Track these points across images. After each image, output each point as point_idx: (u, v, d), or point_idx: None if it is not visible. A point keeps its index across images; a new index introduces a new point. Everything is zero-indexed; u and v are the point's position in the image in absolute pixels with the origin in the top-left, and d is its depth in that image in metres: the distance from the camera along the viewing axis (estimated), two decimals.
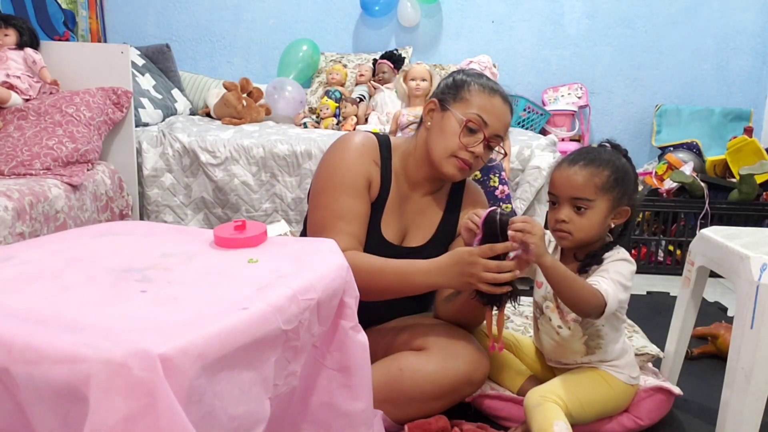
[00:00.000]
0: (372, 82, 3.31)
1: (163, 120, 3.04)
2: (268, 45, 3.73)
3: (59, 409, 0.73)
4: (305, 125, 3.11)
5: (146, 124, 2.92)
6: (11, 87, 2.37)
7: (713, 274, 1.61)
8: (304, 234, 1.61)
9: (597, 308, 1.31)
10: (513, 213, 2.53)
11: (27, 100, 2.41)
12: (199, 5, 3.70)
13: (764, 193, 3.00)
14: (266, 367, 0.87)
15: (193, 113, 3.42)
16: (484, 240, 1.28)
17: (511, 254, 1.28)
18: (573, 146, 3.35)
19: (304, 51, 3.52)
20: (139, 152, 2.73)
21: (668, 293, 2.62)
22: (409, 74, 2.77)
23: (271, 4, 3.70)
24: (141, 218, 2.75)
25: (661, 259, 3.01)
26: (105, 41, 3.63)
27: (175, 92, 3.32)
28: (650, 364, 1.73)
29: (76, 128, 2.35)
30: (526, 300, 1.71)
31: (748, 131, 3.30)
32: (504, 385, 1.59)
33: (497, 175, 2.46)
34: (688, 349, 1.76)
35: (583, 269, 1.41)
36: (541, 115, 3.40)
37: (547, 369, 1.59)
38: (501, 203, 2.47)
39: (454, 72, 1.55)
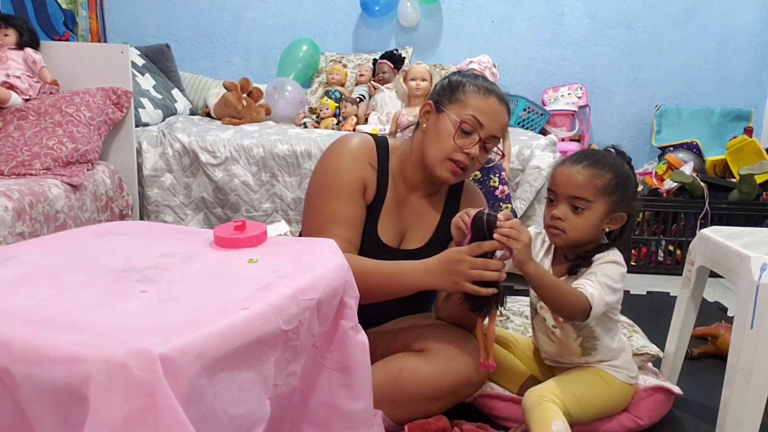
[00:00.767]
0: (372, 82, 3.31)
1: (163, 120, 3.04)
2: (268, 45, 3.73)
3: (59, 409, 0.73)
4: (305, 125, 3.11)
5: (146, 124, 2.93)
6: (11, 87, 2.37)
7: (713, 274, 1.61)
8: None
9: (582, 312, 1.32)
10: (513, 213, 2.53)
11: (27, 100, 2.41)
12: (199, 5, 3.70)
13: (764, 193, 3.00)
14: (266, 367, 0.87)
15: (193, 113, 3.42)
16: (473, 240, 1.29)
17: (498, 254, 1.28)
18: (573, 146, 3.35)
19: (304, 51, 3.52)
20: (139, 152, 2.73)
21: (668, 293, 2.62)
22: (409, 74, 2.77)
23: (271, 4, 3.70)
24: (141, 218, 2.75)
25: (661, 259, 3.01)
26: (105, 41, 3.63)
27: (175, 92, 3.32)
28: (650, 364, 1.73)
29: (76, 128, 2.35)
30: (527, 300, 1.71)
31: (748, 131, 3.30)
32: (504, 386, 1.59)
33: (497, 175, 2.46)
34: (688, 349, 1.76)
35: (573, 270, 1.41)
36: (541, 115, 3.40)
37: (546, 369, 1.59)
38: (501, 203, 2.47)
39: (450, 74, 1.55)
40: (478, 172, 2.37)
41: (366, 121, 3.12)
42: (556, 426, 1.30)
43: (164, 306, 0.84)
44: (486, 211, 1.28)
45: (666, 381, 1.61)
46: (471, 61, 2.88)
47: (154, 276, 0.94)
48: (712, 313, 2.36)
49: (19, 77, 2.40)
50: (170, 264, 1.00)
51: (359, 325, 1.08)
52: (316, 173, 1.50)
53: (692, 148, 3.36)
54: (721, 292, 2.63)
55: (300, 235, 1.64)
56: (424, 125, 1.50)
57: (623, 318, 1.92)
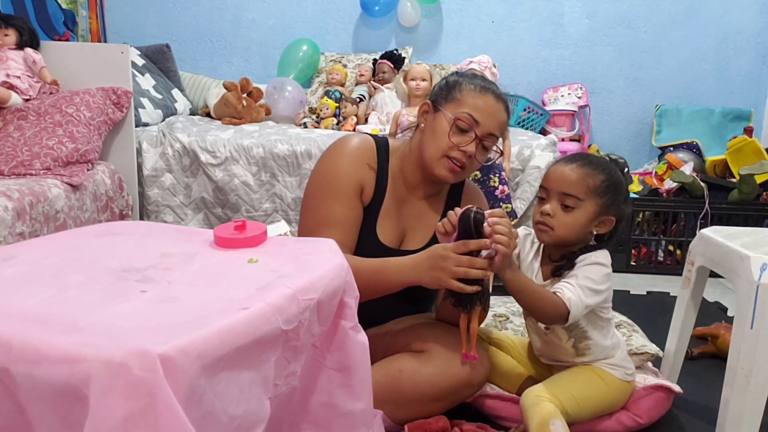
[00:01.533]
0: (372, 82, 3.31)
1: (163, 120, 3.04)
2: (268, 45, 3.73)
3: (59, 409, 0.73)
4: (305, 125, 3.11)
5: (146, 124, 2.92)
6: (11, 87, 2.37)
7: (713, 274, 1.61)
8: None
9: (560, 317, 1.34)
10: (513, 213, 2.53)
11: (27, 100, 2.41)
12: (199, 5, 3.70)
13: (764, 193, 3.00)
14: (266, 367, 0.87)
15: (193, 113, 3.42)
16: (460, 237, 1.29)
17: (484, 253, 1.28)
18: (573, 146, 3.35)
19: (304, 51, 3.52)
20: (139, 152, 2.73)
21: (668, 293, 2.62)
22: (409, 74, 2.77)
23: (271, 4, 3.70)
24: (141, 218, 2.75)
25: (661, 259, 3.01)
26: (105, 41, 3.63)
27: (175, 92, 3.32)
28: (650, 364, 1.73)
29: (76, 128, 2.35)
30: None
31: (748, 131, 3.30)
32: (502, 387, 1.59)
33: (497, 175, 2.46)
34: (688, 349, 1.76)
35: (557, 272, 1.41)
36: (541, 115, 3.40)
37: (544, 369, 1.59)
38: (501, 203, 2.47)
39: (449, 74, 1.55)
40: (478, 172, 2.37)
41: (366, 121, 3.11)
42: (554, 425, 1.30)
43: (164, 306, 0.84)
44: (474, 209, 1.28)
45: (666, 380, 1.61)
46: (471, 61, 2.88)
47: (154, 276, 0.94)
48: (712, 313, 2.36)
49: (19, 77, 2.39)
50: (170, 264, 1.00)
51: (359, 325, 1.08)
52: (313, 174, 1.50)
53: (692, 148, 3.36)
54: (721, 292, 2.63)
55: (297, 236, 1.64)
56: (422, 125, 1.50)
57: (623, 318, 1.92)
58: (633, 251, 2.98)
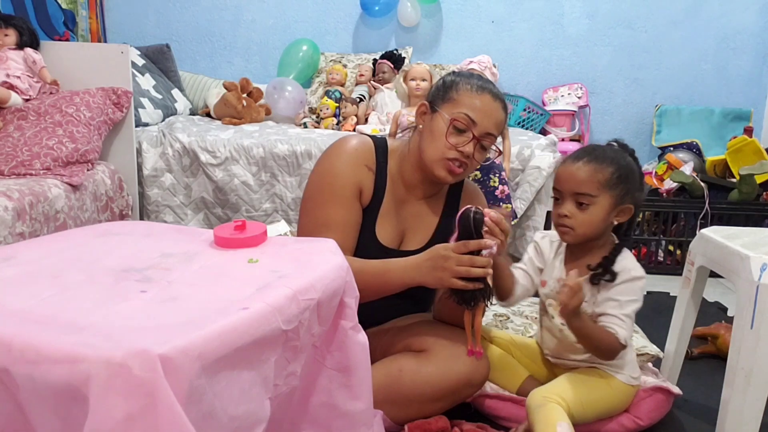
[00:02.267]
0: (372, 82, 3.31)
1: (163, 120, 3.04)
2: (268, 45, 3.73)
3: (59, 409, 0.73)
4: (305, 125, 3.11)
5: (146, 124, 2.93)
6: (11, 87, 2.37)
7: (713, 274, 1.61)
8: None
9: (613, 353, 1.41)
10: (513, 213, 2.53)
11: (27, 100, 2.41)
12: (199, 5, 3.70)
13: (764, 193, 3.00)
14: (266, 367, 0.87)
15: (193, 113, 3.42)
16: (460, 237, 1.30)
17: (485, 252, 1.29)
18: (573, 146, 3.35)
19: (304, 51, 3.52)
20: (139, 152, 2.73)
21: (668, 293, 2.62)
22: (409, 74, 2.77)
23: (271, 4, 3.70)
24: (141, 218, 2.75)
25: (661, 259, 3.01)
26: (105, 41, 3.63)
27: (175, 92, 3.32)
28: (650, 364, 1.73)
29: (76, 128, 2.35)
30: (526, 300, 1.71)
31: (748, 131, 3.30)
32: (502, 386, 1.59)
33: (497, 175, 2.46)
34: (688, 349, 1.76)
35: (595, 279, 1.42)
36: (541, 115, 3.40)
37: (545, 369, 1.59)
38: (501, 203, 2.47)
39: (446, 74, 1.55)
40: (478, 172, 2.37)
41: (366, 121, 3.11)
42: (560, 428, 1.29)
43: (164, 306, 0.84)
44: (473, 209, 1.29)
45: (666, 381, 1.61)
46: (471, 61, 2.87)
47: (154, 276, 0.94)
48: (712, 313, 2.36)
49: (19, 77, 2.40)
50: (170, 264, 1.00)
51: (359, 325, 1.08)
52: (311, 176, 1.50)
53: (692, 148, 3.36)
54: (721, 292, 2.63)
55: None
56: (420, 126, 1.50)
57: None
58: (633, 251, 2.97)
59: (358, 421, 1.09)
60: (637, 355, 1.67)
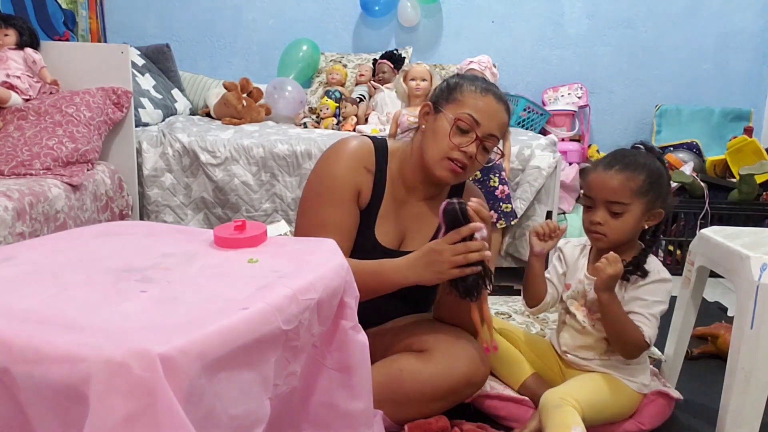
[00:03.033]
0: (372, 82, 3.31)
1: (163, 120, 3.04)
2: (268, 45, 3.73)
3: (59, 409, 0.73)
4: (305, 125, 3.11)
5: (146, 124, 2.92)
6: (11, 87, 2.37)
7: (713, 274, 1.61)
8: None
9: (638, 350, 1.43)
10: (513, 213, 2.53)
11: (27, 100, 2.40)
12: (199, 5, 3.70)
13: (764, 193, 3.00)
14: (266, 367, 0.87)
15: (193, 113, 3.42)
16: (447, 231, 1.31)
17: (477, 236, 1.29)
18: (573, 146, 3.35)
19: (304, 51, 3.52)
20: (139, 152, 2.73)
21: None
22: (409, 74, 2.77)
23: (271, 4, 3.70)
24: (141, 218, 2.75)
25: (661, 259, 3.01)
26: (105, 41, 3.63)
27: (175, 92, 3.32)
28: (650, 365, 1.73)
29: (76, 128, 2.35)
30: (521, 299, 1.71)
31: (748, 131, 3.30)
32: (506, 380, 1.59)
33: (497, 175, 2.46)
34: (688, 349, 1.76)
35: (625, 276, 1.44)
36: (541, 115, 3.40)
37: (555, 369, 1.59)
38: (501, 203, 2.47)
39: (450, 76, 1.55)
40: (478, 172, 2.37)
41: (366, 121, 3.11)
42: (575, 431, 1.29)
43: (164, 306, 0.84)
44: (455, 200, 1.30)
45: (666, 384, 1.62)
46: (471, 61, 2.88)
47: (154, 276, 0.94)
48: (712, 313, 2.36)
49: (19, 77, 2.39)
50: (170, 264, 1.00)
51: (359, 325, 1.08)
52: (310, 177, 1.51)
53: (692, 148, 3.36)
54: (721, 292, 2.63)
55: None
56: (423, 126, 1.50)
57: None
58: None
59: (358, 421, 1.09)
60: None
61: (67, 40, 3.08)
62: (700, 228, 2.03)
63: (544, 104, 3.62)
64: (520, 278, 1.38)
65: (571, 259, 1.58)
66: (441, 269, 1.30)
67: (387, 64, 3.32)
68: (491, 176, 2.43)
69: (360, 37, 3.75)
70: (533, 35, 3.71)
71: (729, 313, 2.37)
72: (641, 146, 1.49)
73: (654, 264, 1.47)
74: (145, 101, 2.99)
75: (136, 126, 2.76)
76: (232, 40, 3.74)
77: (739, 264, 1.38)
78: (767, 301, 1.31)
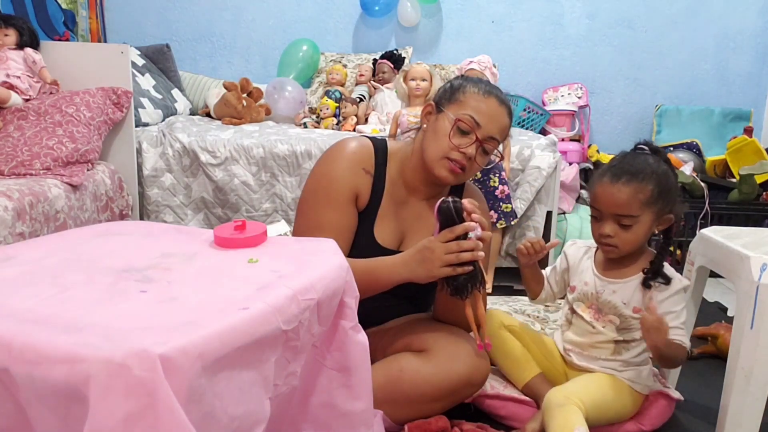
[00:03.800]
0: (372, 82, 3.31)
1: (163, 120, 3.04)
2: (268, 45, 3.73)
3: (59, 409, 0.73)
4: (305, 125, 3.11)
5: (146, 124, 2.92)
6: (11, 87, 2.36)
7: (713, 274, 1.61)
8: None
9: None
10: (513, 213, 2.53)
11: (27, 100, 2.40)
12: (199, 5, 3.70)
13: (764, 193, 3.00)
14: (266, 367, 0.87)
15: (193, 113, 3.42)
16: (442, 230, 1.31)
17: (471, 235, 1.29)
18: (573, 146, 3.35)
19: (304, 51, 3.52)
20: (139, 152, 2.73)
21: None
22: (409, 74, 2.77)
23: (271, 4, 3.70)
24: (141, 218, 2.75)
25: None
26: (105, 41, 3.63)
27: (175, 92, 3.32)
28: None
29: (76, 128, 2.35)
30: (528, 299, 1.71)
31: (748, 131, 3.30)
32: (511, 377, 1.58)
33: (497, 175, 2.46)
34: (689, 349, 1.76)
35: (646, 283, 1.45)
36: (541, 115, 3.40)
37: (560, 370, 1.58)
38: (501, 203, 2.47)
39: (453, 77, 1.56)
40: (478, 173, 2.37)
41: (366, 121, 3.11)
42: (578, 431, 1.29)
43: (164, 306, 0.84)
44: (449, 199, 1.30)
45: (666, 385, 1.62)
46: (471, 61, 2.87)
47: (154, 276, 0.94)
48: (712, 313, 2.36)
49: (19, 77, 2.39)
50: (170, 264, 1.00)
51: (359, 325, 1.08)
52: (309, 179, 1.51)
53: (692, 148, 3.36)
54: (721, 292, 2.63)
55: None
56: (425, 126, 1.51)
57: None
58: None
59: (358, 421, 1.09)
60: None
61: (67, 40, 3.08)
62: (700, 228, 2.02)
63: (544, 104, 3.62)
64: (519, 278, 1.38)
65: (574, 259, 1.57)
66: (432, 267, 1.30)
67: (387, 64, 3.32)
68: (491, 176, 2.43)
69: (360, 37, 3.75)
70: (533, 35, 3.71)
71: (729, 313, 2.37)
72: (645, 147, 1.48)
73: (671, 271, 1.48)
74: (145, 101, 2.99)
75: (136, 126, 2.76)
76: (232, 40, 3.74)
77: (739, 264, 1.38)
78: (767, 301, 1.31)
